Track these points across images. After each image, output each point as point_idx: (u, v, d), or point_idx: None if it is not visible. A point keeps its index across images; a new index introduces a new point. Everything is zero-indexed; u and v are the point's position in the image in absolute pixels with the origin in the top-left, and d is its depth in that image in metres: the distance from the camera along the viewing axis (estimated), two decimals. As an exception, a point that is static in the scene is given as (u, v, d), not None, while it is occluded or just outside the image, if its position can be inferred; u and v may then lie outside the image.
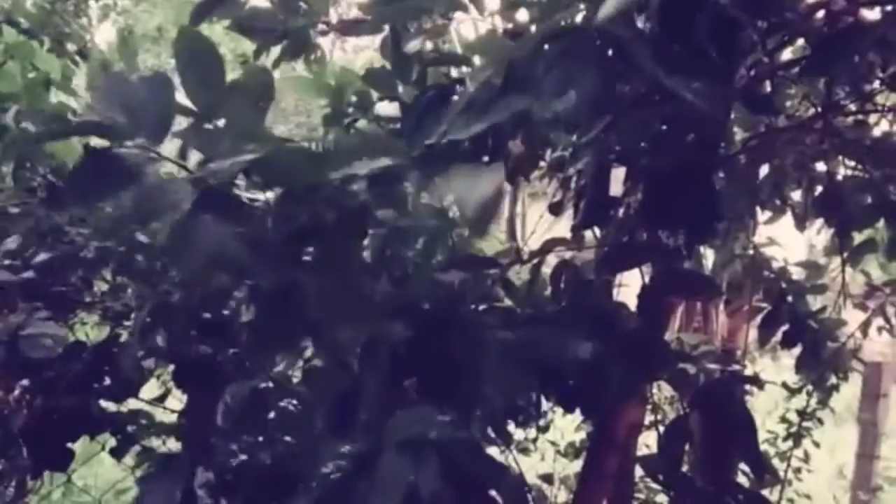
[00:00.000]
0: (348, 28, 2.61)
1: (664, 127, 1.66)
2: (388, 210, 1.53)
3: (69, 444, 2.37)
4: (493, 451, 2.16)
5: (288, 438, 1.83)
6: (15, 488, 2.59)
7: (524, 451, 3.92)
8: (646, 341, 1.96)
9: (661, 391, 3.65)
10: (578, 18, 1.68)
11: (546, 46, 1.27)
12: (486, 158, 1.76)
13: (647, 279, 2.15)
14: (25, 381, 2.42)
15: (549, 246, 2.43)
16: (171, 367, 2.36)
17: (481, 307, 2.20)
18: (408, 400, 1.76)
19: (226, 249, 1.26)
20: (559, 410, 2.39)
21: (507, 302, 2.45)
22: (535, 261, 2.50)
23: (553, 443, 4.32)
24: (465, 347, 1.60)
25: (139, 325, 1.98)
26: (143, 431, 2.47)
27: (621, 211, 2.27)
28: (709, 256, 3.41)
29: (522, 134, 1.86)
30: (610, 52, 1.24)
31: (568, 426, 4.17)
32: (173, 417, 2.54)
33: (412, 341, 1.56)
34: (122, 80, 1.43)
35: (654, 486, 3.07)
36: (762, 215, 3.53)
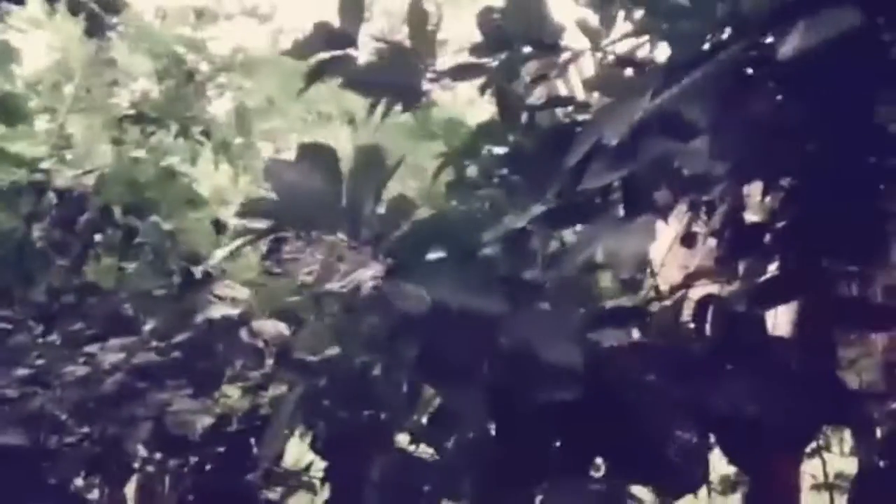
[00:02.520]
0: (457, 73, 2.56)
1: (821, 148, 1.50)
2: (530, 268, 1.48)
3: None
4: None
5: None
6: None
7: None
8: (816, 381, 1.76)
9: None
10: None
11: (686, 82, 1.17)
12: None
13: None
14: (176, 460, 2.50)
15: (691, 280, 2.26)
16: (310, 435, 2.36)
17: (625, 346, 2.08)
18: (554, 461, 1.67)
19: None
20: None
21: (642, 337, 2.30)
22: (676, 296, 2.33)
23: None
24: (622, 405, 1.50)
25: (289, 405, 1.99)
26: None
27: (768, 237, 2.09)
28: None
29: (665, 180, 1.74)
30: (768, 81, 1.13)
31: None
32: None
33: (567, 404, 1.48)
34: (285, 168, 1.52)
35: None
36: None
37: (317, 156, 1.54)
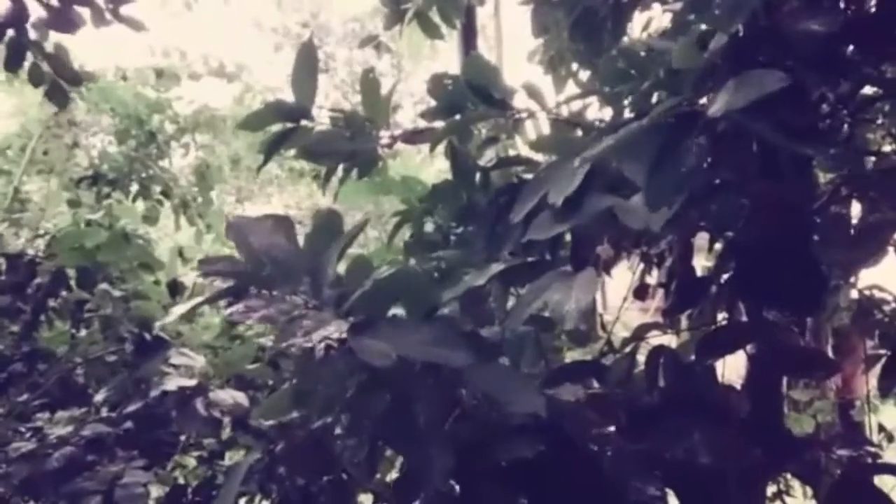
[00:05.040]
0: (409, 138, 2.63)
1: (755, 202, 1.56)
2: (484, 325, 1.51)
3: None
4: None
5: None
6: None
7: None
8: (766, 430, 1.79)
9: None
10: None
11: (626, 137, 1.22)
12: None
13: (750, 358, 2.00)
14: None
15: (641, 332, 2.30)
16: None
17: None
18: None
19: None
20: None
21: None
22: (628, 349, 2.37)
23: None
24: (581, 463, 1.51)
25: (240, 471, 1.94)
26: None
27: (713, 288, 2.14)
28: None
29: (609, 234, 1.79)
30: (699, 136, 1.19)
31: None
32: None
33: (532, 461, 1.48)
34: (247, 226, 1.53)
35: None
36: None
37: (275, 223, 1.56)
